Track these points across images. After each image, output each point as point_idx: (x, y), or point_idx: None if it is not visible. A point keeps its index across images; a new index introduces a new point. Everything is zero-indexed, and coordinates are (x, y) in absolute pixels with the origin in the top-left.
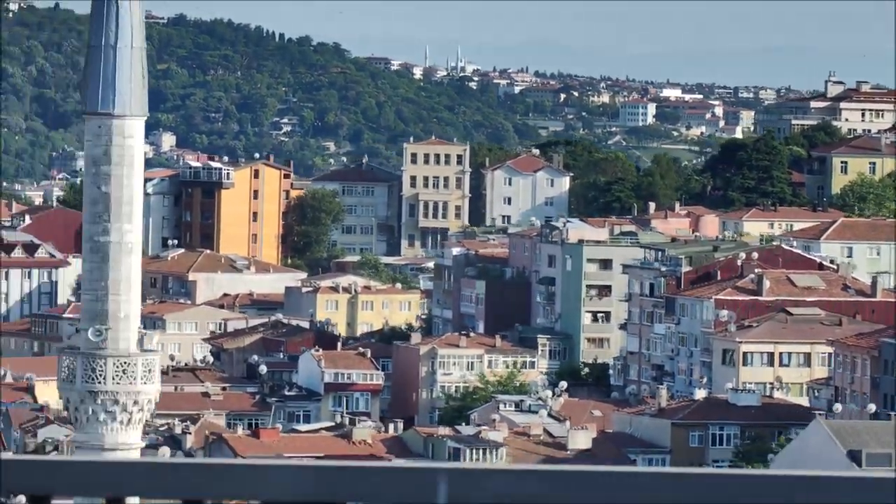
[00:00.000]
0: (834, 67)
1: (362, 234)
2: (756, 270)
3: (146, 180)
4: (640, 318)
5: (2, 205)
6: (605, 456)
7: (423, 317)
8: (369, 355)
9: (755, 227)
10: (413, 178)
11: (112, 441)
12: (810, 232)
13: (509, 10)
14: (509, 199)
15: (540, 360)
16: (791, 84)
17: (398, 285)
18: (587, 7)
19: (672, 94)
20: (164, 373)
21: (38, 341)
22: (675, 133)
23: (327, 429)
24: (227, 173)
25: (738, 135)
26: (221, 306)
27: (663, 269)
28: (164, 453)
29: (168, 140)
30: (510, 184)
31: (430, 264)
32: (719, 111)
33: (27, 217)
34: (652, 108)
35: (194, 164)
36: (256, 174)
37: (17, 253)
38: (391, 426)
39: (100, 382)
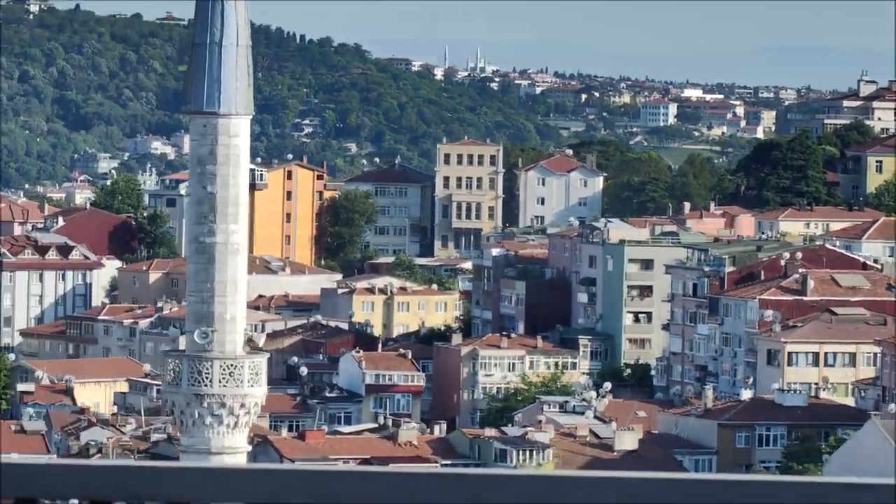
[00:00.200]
0: (857, 67)
1: (395, 235)
2: (800, 270)
3: (178, 182)
4: (683, 318)
5: (34, 207)
6: (652, 457)
7: (461, 318)
8: (410, 356)
9: (792, 226)
10: (446, 179)
11: (218, 445)
12: (851, 231)
13: (528, 10)
14: (543, 200)
15: (581, 361)
16: (811, 84)
17: (434, 286)
18: (606, 7)
19: (693, 94)
20: None
21: (74, 343)
22: (697, 133)
23: (371, 430)
24: (261, 174)
25: (760, 134)
26: (257, 308)
27: (706, 269)
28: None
29: None
30: (543, 184)
31: (464, 265)
32: (740, 111)
33: (60, 219)
34: (673, 109)
35: None
36: (290, 175)
37: (52, 255)
38: (436, 428)
39: (206, 385)
